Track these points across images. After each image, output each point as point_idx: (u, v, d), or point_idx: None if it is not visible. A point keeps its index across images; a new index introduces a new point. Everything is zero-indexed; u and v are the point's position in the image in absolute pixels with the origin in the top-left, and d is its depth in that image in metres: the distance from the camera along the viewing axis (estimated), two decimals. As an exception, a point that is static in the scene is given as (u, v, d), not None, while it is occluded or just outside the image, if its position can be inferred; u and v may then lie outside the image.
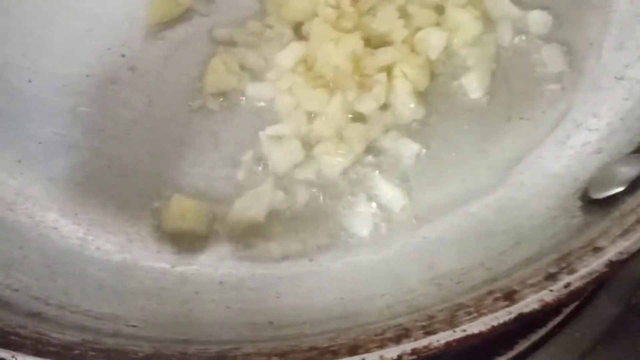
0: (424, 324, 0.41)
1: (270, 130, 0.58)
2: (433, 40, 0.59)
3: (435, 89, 0.60)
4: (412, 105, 0.58)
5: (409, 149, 0.57)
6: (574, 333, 0.62)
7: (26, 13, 0.64)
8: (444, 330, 0.41)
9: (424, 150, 0.58)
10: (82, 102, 0.60)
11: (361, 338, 0.41)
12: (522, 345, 0.59)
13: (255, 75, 0.61)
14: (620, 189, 0.49)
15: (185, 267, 0.54)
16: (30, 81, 0.61)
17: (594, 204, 0.50)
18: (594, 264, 0.42)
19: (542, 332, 0.60)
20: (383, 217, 0.56)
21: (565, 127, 0.57)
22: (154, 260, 0.55)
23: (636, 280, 0.64)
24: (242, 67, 0.61)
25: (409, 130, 0.58)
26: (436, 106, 0.59)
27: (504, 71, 0.60)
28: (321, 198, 0.57)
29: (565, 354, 0.62)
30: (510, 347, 0.59)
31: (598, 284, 0.63)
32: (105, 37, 0.63)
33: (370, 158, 0.58)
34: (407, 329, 0.41)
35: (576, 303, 0.61)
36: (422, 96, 0.59)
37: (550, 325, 0.60)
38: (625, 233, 0.43)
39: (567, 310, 0.61)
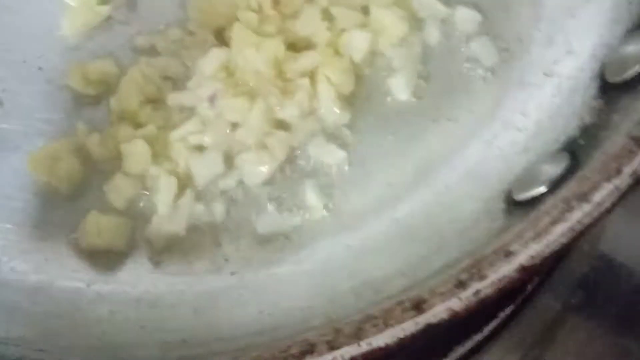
0: (329, 338, 0.39)
1: (191, 141, 0.56)
2: (357, 42, 0.58)
3: (361, 92, 0.58)
4: (336, 110, 0.56)
5: (334, 156, 0.56)
6: (513, 336, 0.61)
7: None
8: (349, 344, 0.39)
9: (349, 156, 0.56)
10: (-3, 117, 0.59)
11: (264, 355, 0.39)
12: (457, 352, 0.58)
13: (177, 84, 0.59)
14: (543, 189, 0.47)
15: (102, 286, 0.52)
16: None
17: (517, 206, 0.48)
18: (505, 269, 0.40)
19: (477, 337, 0.58)
20: (306, 226, 0.54)
21: (493, 127, 0.56)
22: (70, 279, 0.53)
23: (576, 280, 0.63)
24: (164, 77, 0.59)
25: (334, 136, 0.57)
26: (362, 109, 0.57)
27: (431, 71, 0.58)
28: (242, 209, 0.55)
29: (505, 356, 0.60)
30: (445, 355, 0.57)
31: (537, 284, 0.62)
32: (20, 50, 0.61)
33: (294, 166, 0.56)
34: (312, 344, 0.39)
35: (512, 307, 0.59)
36: (347, 100, 0.57)
37: (486, 330, 0.58)
38: (537, 236, 0.41)
39: (505, 313, 0.60)
